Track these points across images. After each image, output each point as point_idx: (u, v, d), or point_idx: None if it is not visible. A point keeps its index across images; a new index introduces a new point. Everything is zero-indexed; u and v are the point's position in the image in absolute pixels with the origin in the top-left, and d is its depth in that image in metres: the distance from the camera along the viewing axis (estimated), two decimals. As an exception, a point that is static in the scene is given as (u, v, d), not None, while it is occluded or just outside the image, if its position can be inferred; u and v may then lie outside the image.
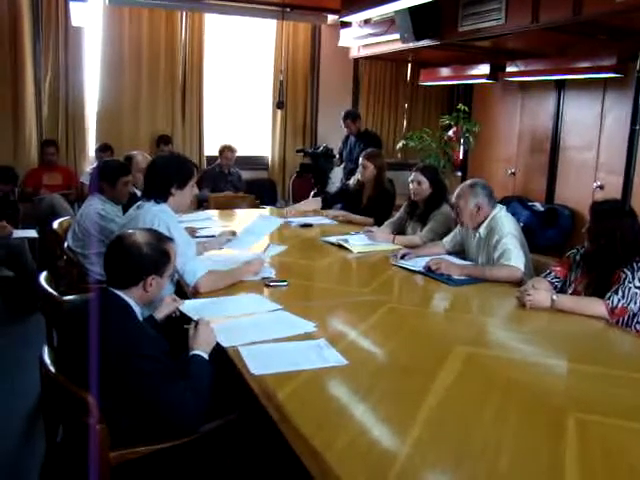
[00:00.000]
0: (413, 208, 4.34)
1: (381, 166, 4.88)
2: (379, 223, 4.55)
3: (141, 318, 2.18)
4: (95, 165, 4.98)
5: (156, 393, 1.93)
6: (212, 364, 2.13)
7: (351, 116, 6.90)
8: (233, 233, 3.81)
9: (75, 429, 1.96)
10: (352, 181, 5.19)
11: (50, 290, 2.76)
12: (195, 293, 2.80)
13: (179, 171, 3.03)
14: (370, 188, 4.91)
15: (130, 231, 2.23)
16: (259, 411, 1.76)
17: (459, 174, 8.03)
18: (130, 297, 2.11)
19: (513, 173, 7.39)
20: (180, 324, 2.49)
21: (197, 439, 2.00)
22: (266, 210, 5.72)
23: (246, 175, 7.28)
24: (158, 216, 2.88)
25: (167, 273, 2.24)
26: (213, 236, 3.99)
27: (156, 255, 2.16)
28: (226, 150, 6.88)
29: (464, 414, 1.77)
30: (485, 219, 3.46)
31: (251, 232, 3.60)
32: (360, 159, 4.94)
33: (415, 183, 4.20)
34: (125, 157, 4.71)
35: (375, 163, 4.85)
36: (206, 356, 2.14)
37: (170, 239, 2.32)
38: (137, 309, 2.14)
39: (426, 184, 4.16)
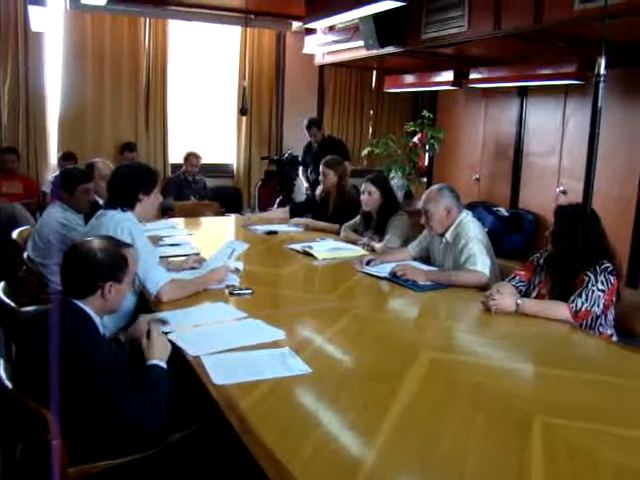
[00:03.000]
0: (367, 219, 4.34)
1: (342, 173, 4.84)
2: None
3: (102, 329, 2.12)
4: (56, 173, 4.88)
5: (118, 408, 1.88)
6: (172, 373, 2.09)
7: (316, 124, 6.88)
8: (199, 260, 3.45)
9: (32, 445, 1.90)
10: (318, 191, 5.13)
11: (8, 301, 2.68)
12: (158, 302, 2.74)
13: (144, 177, 3.01)
14: (334, 196, 4.88)
15: (86, 239, 2.19)
16: (221, 422, 1.72)
17: (424, 180, 8.09)
18: (90, 307, 2.06)
19: (478, 179, 7.45)
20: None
21: (159, 451, 1.95)
22: (231, 218, 5.66)
23: (211, 183, 7.22)
24: (121, 224, 2.83)
25: (126, 279, 2.18)
26: (178, 244, 3.93)
27: (112, 260, 2.11)
28: (191, 157, 6.86)
29: (430, 420, 1.76)
30: (452, 224, 3.47)
31: (219, 259, 3.35)
32: (320, 167, 4.90)
33: (366, 194, 4.19)
34: (86, 165, 4.64)
35: (335, 170, 4.81)
36: (165, 365, 2.09)
37: (128, 245, 2.28)
38: (97, 320, 2.08)
39: (377, 194, 4.17)
